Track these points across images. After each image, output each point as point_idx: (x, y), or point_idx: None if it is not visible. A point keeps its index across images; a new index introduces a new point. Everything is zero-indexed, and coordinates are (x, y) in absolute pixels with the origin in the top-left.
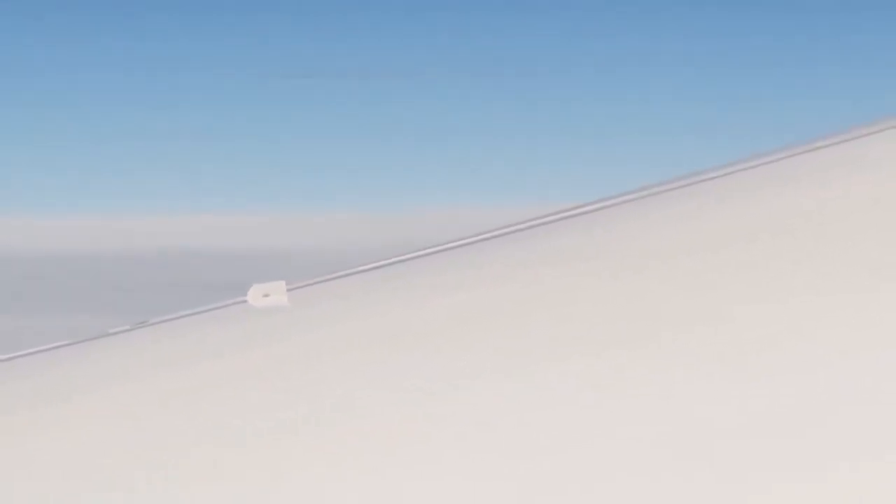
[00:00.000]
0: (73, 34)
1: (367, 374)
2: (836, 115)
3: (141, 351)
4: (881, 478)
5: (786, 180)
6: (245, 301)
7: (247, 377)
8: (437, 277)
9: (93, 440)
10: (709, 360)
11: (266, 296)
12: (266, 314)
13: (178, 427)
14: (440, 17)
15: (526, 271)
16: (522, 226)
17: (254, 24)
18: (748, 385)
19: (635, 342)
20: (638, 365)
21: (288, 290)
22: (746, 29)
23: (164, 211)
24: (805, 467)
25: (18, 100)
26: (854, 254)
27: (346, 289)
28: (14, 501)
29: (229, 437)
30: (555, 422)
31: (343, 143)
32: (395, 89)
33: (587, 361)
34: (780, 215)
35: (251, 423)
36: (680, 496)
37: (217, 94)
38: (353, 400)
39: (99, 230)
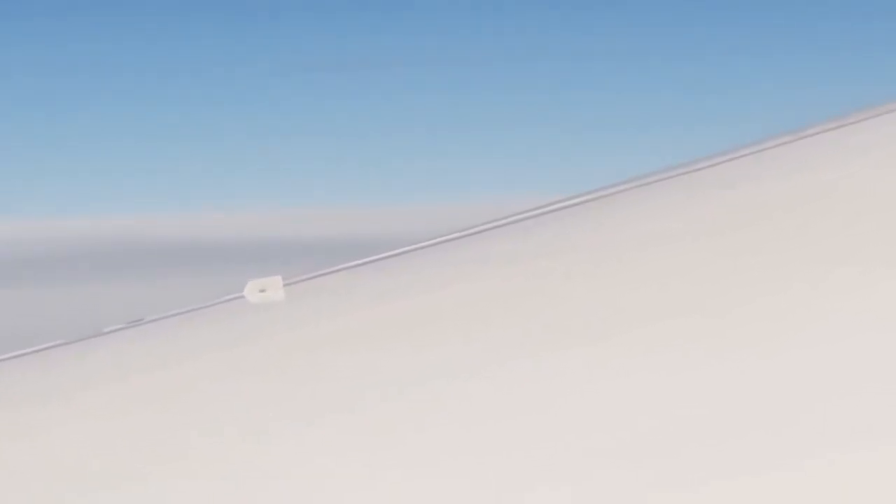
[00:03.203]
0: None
1: (364, 369)
2: (825, 102)
3: (137, 348)
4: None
5: (779, 168)
6: (242, 297)
7: (243, 374)
8: (432, 271)
9: (87, 440)
10: (708, 351)
11: (262, 291)
12: (262, 309)
13: (173, 425)
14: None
15: (521, 264)
16: (515, 218)
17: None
18: (746, 378)
19: (632, 333)
20: (636, 357)
21: (284, 285)
22: (733, 16)
23: (158, 207)
24: (803, 464)
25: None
26: (853, 241)
27: (342, 283)
28: (9, 502)
29: (225, 434)
30: (555, 416)
31: (338, 136)
32: (389, 82)
33: (585, 353)
34: (776, 203)
35: (247, 421)
36: (680, 491)
37: (214, 90)
38: (351, 396)
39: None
